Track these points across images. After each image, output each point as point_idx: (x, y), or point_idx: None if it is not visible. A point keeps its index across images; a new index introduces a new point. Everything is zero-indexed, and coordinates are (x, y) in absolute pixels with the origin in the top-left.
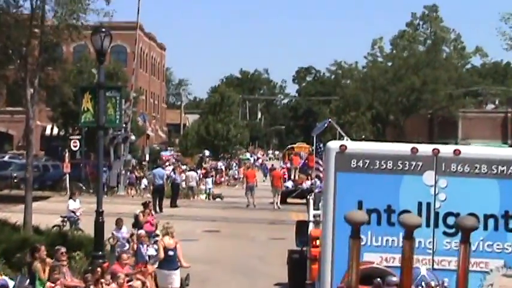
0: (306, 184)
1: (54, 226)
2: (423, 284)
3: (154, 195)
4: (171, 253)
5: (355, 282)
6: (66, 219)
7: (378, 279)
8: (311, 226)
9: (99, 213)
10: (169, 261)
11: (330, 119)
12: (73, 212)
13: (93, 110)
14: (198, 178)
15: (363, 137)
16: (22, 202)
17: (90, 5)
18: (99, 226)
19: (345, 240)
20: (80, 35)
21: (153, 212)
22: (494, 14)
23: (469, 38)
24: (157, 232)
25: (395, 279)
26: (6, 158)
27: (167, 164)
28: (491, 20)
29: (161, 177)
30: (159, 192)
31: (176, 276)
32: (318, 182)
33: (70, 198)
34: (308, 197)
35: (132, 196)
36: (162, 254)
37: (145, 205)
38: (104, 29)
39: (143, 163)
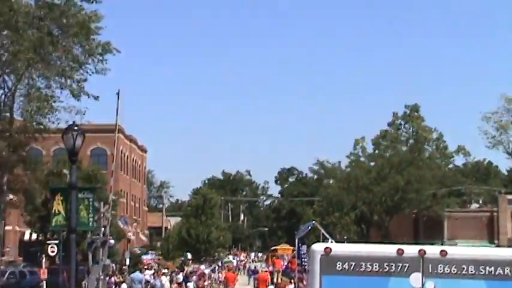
0: None
1: None
2: None
3: None
4: None
5: None
6: None
7: None
8: None
9: None
10: None
11: (314, 221)
12: None
13: (64, 212)
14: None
15: (345, 238)
16: None
17: (60, 103)
18: None
19: None
20: (48, 133)
21: None
22: (476, 113)
23: (451, 137)
24: None
25: None
26: None
27: (146, 268)
28: (473, 119)
29: (139, 282)
30: None
31: None
32: (300, 286)
33: None
34: None
35: None
36: None
37: None
38: (76, 127)
39: (123, 267)
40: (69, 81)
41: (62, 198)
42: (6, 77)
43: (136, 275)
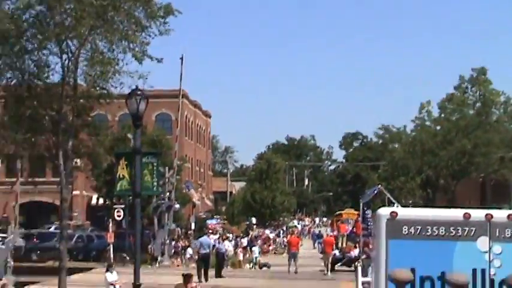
0: (354, 252)
1: None
2: None
3: (199, 264)
4: None
5: None
6: None
7: None
8: None
9: (136, 286)
10: None
11: (379, 185)
12: (112, 284)
13: (128, 177)
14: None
15: (410, 202)
16: (67, 274)
17: (123, 67)
18: None
19: None
20: (111, 98)
21: (193, 285)
22: None
23: None
24: None
25: None
26: (52, 229)
27: (211, 232)
28: None
29: (207, 246)
30: (204, 261)
31: None
32: (365, 250)
33: (107, 270)
34: (356, 264)
35: (177, 266)
36: None
37: (186, 277)
38: (139, 92)
39: (189, 232)
40: (132, 44)
41: (126, 163)
42: (69, 42)
43: (205, 239)
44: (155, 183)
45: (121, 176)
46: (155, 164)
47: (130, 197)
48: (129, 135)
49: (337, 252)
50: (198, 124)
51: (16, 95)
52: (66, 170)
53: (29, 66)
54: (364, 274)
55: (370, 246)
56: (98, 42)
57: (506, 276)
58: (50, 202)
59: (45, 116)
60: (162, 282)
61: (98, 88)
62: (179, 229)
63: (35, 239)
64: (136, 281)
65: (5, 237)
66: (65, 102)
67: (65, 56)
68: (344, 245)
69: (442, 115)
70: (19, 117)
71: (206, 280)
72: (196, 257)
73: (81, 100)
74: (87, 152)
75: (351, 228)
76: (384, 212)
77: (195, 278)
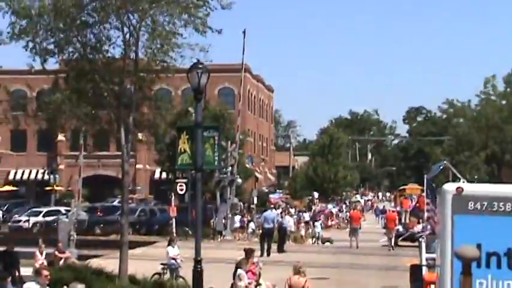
0: (417, 228)
1: (154, 274)
2: None
3: (263, 239)
4: None
5: None
6: (166, 266)
7: None
8: (424, 270)
9: (197, 261)
10: None
11: (444, 161)
12: (173, 259)
13: (190, 151)
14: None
15: (476, 177)
16: (128, 248)
17: (184, 40)
18: (197, 276)
19: None
20: (173, 72)
21: (255, 260)
22: None
23: None
24: (261, 282)
25: None
26: (115, 203)
27: (273, 207)
28: None
29: (271, 221)
30: (268, 236)
31: None
32: (429, 226)
33: (169, 244)
34: (420, 240)
35: (238, 239)
36: None
37: (248, 252)
38: (200, 65)
39: (251, 206)
40: (193, 18)
41: (187, 137)
42: (130, 16)
43: (269, 213)
44: (216, 158)
45: (182, 150)
46: (216, 138)
47: (193, 171)
48: (191, 109)
49: (400, 227)
50: (260, 98)
51: (77, 70)
52: (128, 143)
53: (90, 40)
54: (428, 250)
55: (435, 222)
56: (159, 16)
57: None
58: (113, 176)
59: (107, 90)
60: (224, 256)
61: (158, 61)
62: (241, 203)
63: (98, 213)
64: (197, 255)
65: (68, 211)
66: (126, 76)
67: (126, 30)
68: (407, 220)
69: (508, 89)
70: (80, 92)
71: (268, 255)
72: (260, 231)
73: (142, 74)
74: (148, 126)
75: (414, 204)
76: (450, 187)
77: (257, 253)
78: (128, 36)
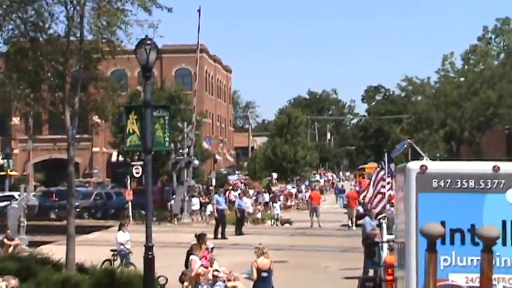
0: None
1: (105, 261)
2: None
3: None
4: (264, 274)
5: None
6: (116, 253)
7: None
8: (385, 252)
9: (148, 247)
10: (264, 282)
11: (409, 140)
12: (122, 244)
13: (139, 132)
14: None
15: (438, 155)
16: (83, 232)
17: (132, 17)
18: (148, 263)
19: None
20: (120, 48)
21: (210, 245)
22: None
23: None
24: (216, 267)
25: None
26: None
27: (232, 188)
28: None
29: (220, 203)
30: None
31: None
32: (388, 205)
33: (119, 229)
34: (381, 221)
35: (196, 222)
36: (254, 276)
37: (200, 237)
38: (148, 41)
39: (210, 188)
40: None
41: (136, 117)
42: None
43: (217, 195)
44: (167, 138)
45: (131, 131)
46: (167, 118)
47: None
48: (139, 88)
49: (360, 207)
50: (218, 79)
51: (18, 48)
52: (73, 126)
53: (31, 17)
54: (389, 231)
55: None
56: None
57: None
58: None
59: (50, 69)
60: (180, 240)
61: (104, 40)
62: (200, 185)
63: (53, 197)
64: (148, 241)
65: (13, 197)
66: (70, 54)
67: (69, 6)
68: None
69: (466, 66)
70: (22, 72)
71: (223, 237)
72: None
73: (88, 52)
74: (95, 108)
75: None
76: (414, 166)
77: (212, 235)
78: (71, 12)
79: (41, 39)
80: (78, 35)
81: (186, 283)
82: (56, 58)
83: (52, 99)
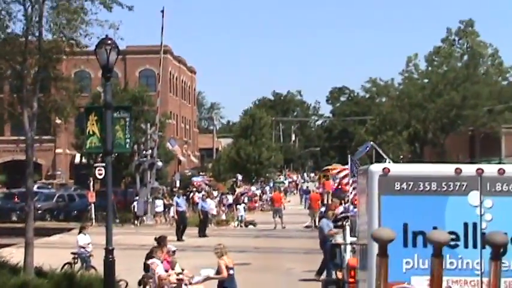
0: (339, 209)
1: (65, 264)
2: None
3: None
4: (232, 272)
5: None
6: (77, 256)
7: None
8: (348, 254)
9: (108, 251)
10: (231, 281)
11: (371, 142)
12: (83, 247)
13: (99, 133)
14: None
15: (401, 157)
16: (45, 235)
17: (91, 17)
18: (109, 266)
19: (392, 265)
20: (81, 48)
21: (172, 248)
22: None
23: (507, 53)
24: (178, 270)
25: None
26: (34, 188)
27: (196, 190)
28: None
29: (180, 205)
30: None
31: None
32: (352, 207)
33: (80, 232)
34: (344, 223)
35: (159, 224)
36: (225, 274)
37: (160, 240)
38: (109, 41)
39: (174, 190)
40: None
41: (96, 118)
42: None
43: (176, 198)
44: (128, 140)
45: (91, 133)
46: (128, 119)
47: (116, 154)
48: (99, 89)
49: (323, 209)
50: (182, 80)
51: None
52: (32, 128)
53: None
54: (353, 234)
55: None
56: None
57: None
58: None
59: (8, 69)
60: (143, 242)
61: (64, 39)
62: (164, 187)
63: (15, 199)
64: (108, 245)
65: None
66: (29, 54)
67: (28, 4)
68: (330, 201)
69: (430, 68)
70: None
71: (180, 239)
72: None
73: (47, 52)
74: (55, 109)
75: (336, 185)
76: (376, 168)
77: (173, 238)
78: (30, 10)
79: None
80: (37, 34)
81: (147, 287)
82: (14, 58)
83: (10, 100)
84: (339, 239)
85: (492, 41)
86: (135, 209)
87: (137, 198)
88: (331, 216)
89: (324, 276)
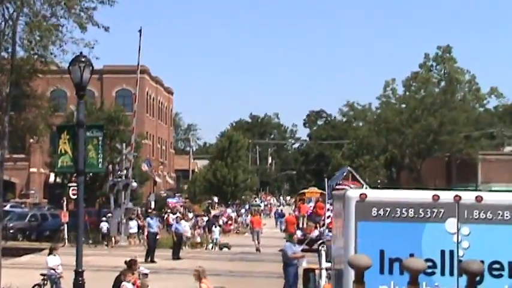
0: (314, 233)
1: (35, 285)
2: None
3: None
4: None
5: None
6: (46, 277)
7: None
8: (323, 280)
9: (77, 273)
10: None
11: (348, 167)
12: (53, 269)
13: (71, 152)
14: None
15: (379, 181)
16: (16, 255)
17: (66, 35)
18: None
19: None
20: (52, 65)
21: (142, 270)
22: (509, 52)
23: (484, 79)
24: None
25: None
26: (7, 207)
27: (170, 211)
28: (507, 59)
29: (151, 225)
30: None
31: None
32: (327, 231)
33: (50, 253)
34: (320, 248)
35: (133, 245)
36: None
37: (129, 264)
38: (83, 59)
39: (149, 211)
40: (75, 10)
41: (68, 137)
42: (8, 4)
43: (148, 219)
44: (100, 160)
45: (63, 152)
46: (101, 138)
47: (91, 174)
48: (72, 107)
49: (299, 232)
50: (159, 101)
51: None
52: (2, 146)
53: None
54: (328, 259)
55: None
56: (38, 5)
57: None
58: (5, 179)
59: None
60: (116, 264)
61: (36, 56)
62: (138, 208)
63: None
64: (78, 267)
65: None
66: (0, 70)
67: (1, 19)
68: (305, 225)
69: (407, 93)
70: None
71: (151, 261)
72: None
73: (19, 68)
74: (27, 127)
75: (312, 208)
76: (353, 194)
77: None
78: (2, 26)
79: None
80: (9, 50)
81: None
82: None
83: None
84: (303, 263)
85: (469, 67)
86: (103, 230)
87: (104, 218)
88: (295, 239)
89: None
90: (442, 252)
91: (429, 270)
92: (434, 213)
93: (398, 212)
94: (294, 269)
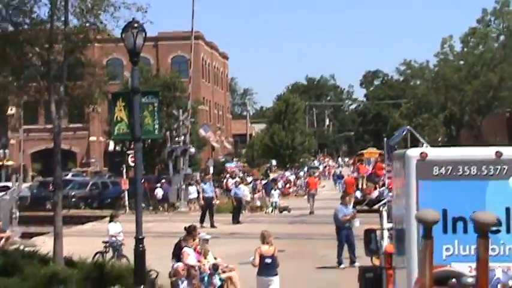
0: (374, 194)
1: (97, 253)
2: (499, 286)
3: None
4: (268, 260)
5: (429, 284)
6: (108, 245)
7: (453, 279)
8: (385, 240)
9: (138, 240)
10: (267, 269)
11: (408, 126)
12: (114, 236)
13: (127, 119)
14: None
15: (439, 140)
16: (78, 223)
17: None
18: (139, 256)
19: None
20: (106, 33)
21: (203, 236)
22: None
23: None
24: (211, 260)
25: (470, 280)
26: (69, 176)
27: (229, 176)
28: None
29: (206, 191)
30: (209, 206)
31: (274, 283)
32: (387, 191)
33: (110, 220)
34: (381, 208)
35: (193, 211)
36: (256, 262)
37: (189, 230)
38: (136, 24)
39: (207, 176)
40: None
41: (123, 104)
42: None
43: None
44: (156, 126)
45: (119, 119)
46: (156, 104)
47: (150, 140)
48: (127, 74)
49: (358, 193)
50: (215, 66)
51: (0, 34)
52: (60, 115)
53: (14, 0)
54: (390, 220)
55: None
56: None
57: None
58: (66, 149)
59: (34, 56)
60: (176, 229)
61: (89, 24)
62: (197, 173)
63: (50, 187)
64: (138, 234)
65: (8, 187)
66: (54, 39)
67: None
68: (364, 186)
69: (465, 49)
70: (4, 58)
71: (212, 226)
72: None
73: (73, 36)
74: (81, 95)
75: (371, 169)
76: (413, 153)
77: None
78: None
79: (23, 23)
80: (62, 19)
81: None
82: (39, 44)
83: (37, 87)
84: (356, 224)
85: None
86: (158, 195)
87: (158, 184)
88: (347, 201)
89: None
90: (507, 210)
91: (494, 228)
92: (498, 170)
93: (461, 170)
94: (346, 231)
